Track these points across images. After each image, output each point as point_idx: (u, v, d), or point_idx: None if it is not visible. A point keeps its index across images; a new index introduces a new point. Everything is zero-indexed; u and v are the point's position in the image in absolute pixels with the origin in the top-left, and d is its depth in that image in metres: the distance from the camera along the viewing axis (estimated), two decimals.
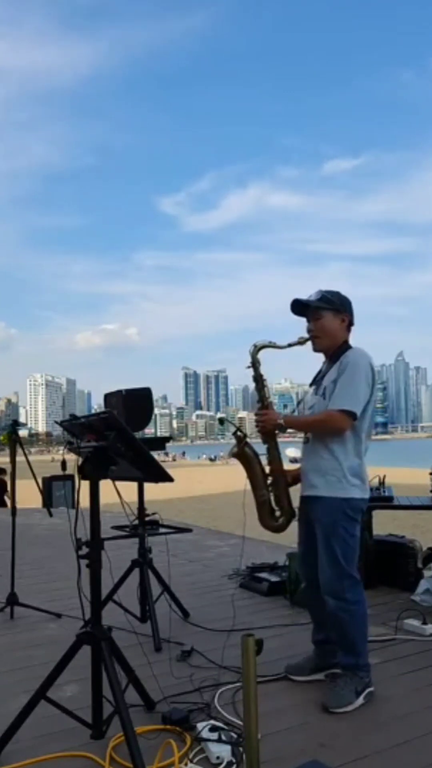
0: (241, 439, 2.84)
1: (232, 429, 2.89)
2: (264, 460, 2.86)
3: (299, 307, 2.80)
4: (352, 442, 2.68)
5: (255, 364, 2.81)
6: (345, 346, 2.76)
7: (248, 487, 2.87)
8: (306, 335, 2.80)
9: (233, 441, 2.87)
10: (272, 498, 2.86)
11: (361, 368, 2.65)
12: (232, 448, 2.87)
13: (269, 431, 2.79)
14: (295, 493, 2.87)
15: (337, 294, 2.78)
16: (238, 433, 2.86)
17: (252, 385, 2.89)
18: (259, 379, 2.82)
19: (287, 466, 2.91)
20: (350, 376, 2.63)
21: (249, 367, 2.81)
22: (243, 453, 2.84)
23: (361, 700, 2.61)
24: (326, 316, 2.74)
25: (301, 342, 2.80)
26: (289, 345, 2.81)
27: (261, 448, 2.86)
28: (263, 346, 2.81)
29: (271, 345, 2.81)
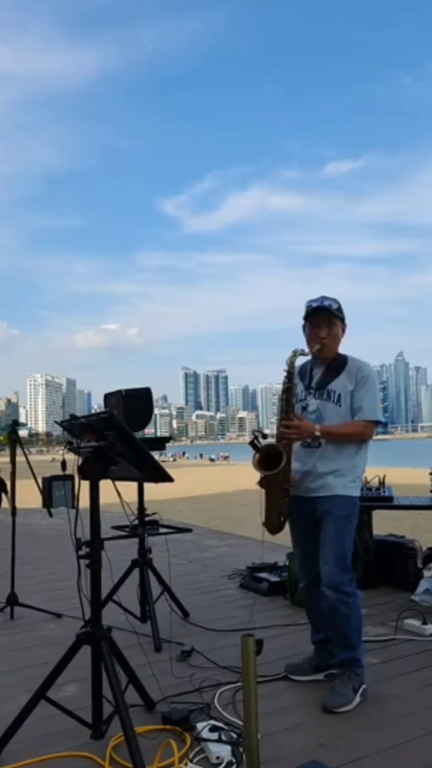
0: (279, 454, 2.68)
1: (261, 441, 2.71)
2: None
3: (315, 311, 2.78)
4: (363, 445, 2.80)
5: (291, 372, 2.75)
6: (343, 355, 2.85)
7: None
8: (318, 342, 2.76)
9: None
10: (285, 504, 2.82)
11: (375, 381, 2.84)
12: (257, 460, 2.69)
13: (300, 441, 2.77)
14: None
15: (338, 302, 2.83)
16: (275, 447, 2.68)
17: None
18: (290, 387, 2.76)
19: None
20: (371, 388, 2.78)
21: (286, 373, 2.73)
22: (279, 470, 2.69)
23: (358, 698, 2.62)
24: (338, 325, 2.82)
25: (320, 348, 2.77)
26: (312, 351, 2.79)
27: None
28: (300, 353, 2.74)
29: (303, 353, 2.77)
